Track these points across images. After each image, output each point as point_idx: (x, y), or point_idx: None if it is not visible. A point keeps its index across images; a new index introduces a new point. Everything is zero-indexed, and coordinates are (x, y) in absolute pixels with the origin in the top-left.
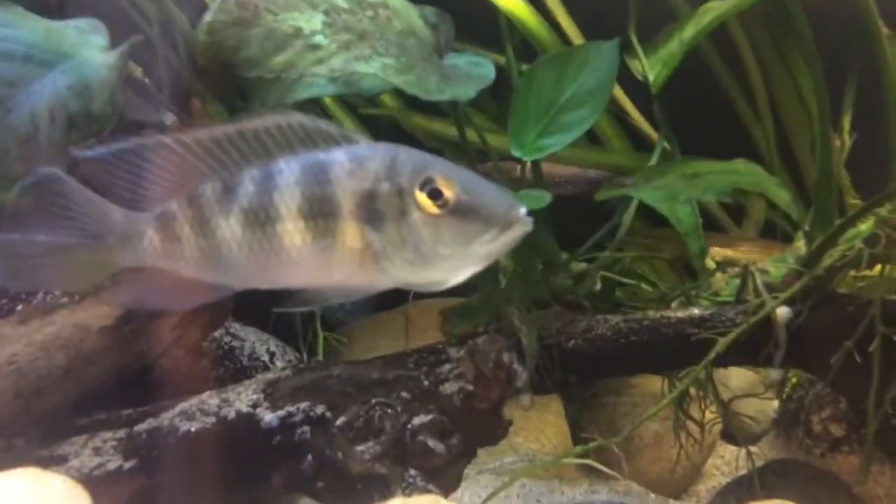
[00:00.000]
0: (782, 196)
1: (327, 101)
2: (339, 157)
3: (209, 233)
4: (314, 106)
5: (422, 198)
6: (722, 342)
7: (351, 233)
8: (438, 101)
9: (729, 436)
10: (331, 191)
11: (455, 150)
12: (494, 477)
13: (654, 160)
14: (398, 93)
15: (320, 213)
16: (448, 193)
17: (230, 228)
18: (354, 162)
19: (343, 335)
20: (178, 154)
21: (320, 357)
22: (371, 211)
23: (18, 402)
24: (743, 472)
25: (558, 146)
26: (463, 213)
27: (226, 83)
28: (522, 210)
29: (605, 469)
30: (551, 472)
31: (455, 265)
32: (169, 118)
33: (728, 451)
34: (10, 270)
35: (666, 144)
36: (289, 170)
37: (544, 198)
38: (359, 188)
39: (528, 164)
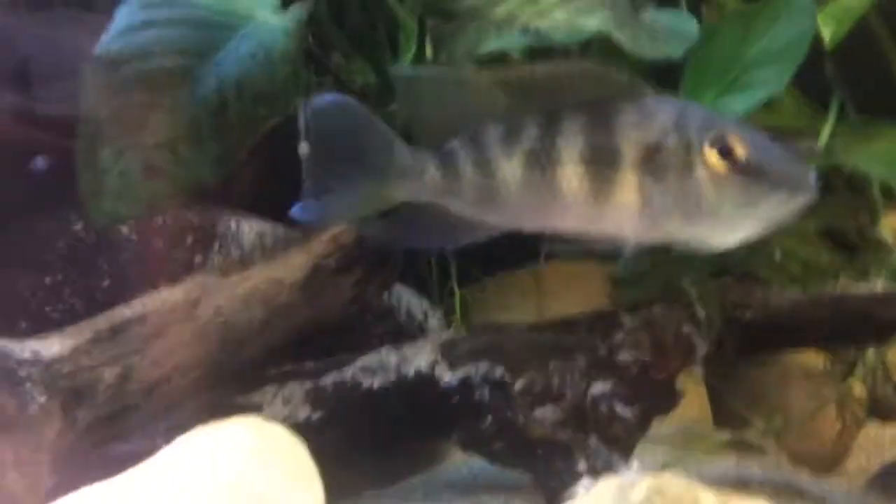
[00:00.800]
0: None
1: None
2: (626, 107)
3: (490, 172)
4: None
5: (710, 154)
6: None
7: (630, 184)
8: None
9: (875, 412)
10: (615, 140)
11: None
12: (641, 446)
13: (829, 123)
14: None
15: (602, 161)
16: (738, 152)
17: (511, 169)
18: (642, 113)
19: (478, 293)
20: (471, 91)
21: (457, 314)
22: (654, 164)
23: (224, 353)
24: (891, 451)
25: (742, 108)
26: (751, 173)
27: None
28: (813, 175)
29: (758, 445)
30: (694, 443)
31: (734, 226)
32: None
33: (872, 428)
34: (315, 209)
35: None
36: (574, 116)
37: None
38: (644, 139)
39: None
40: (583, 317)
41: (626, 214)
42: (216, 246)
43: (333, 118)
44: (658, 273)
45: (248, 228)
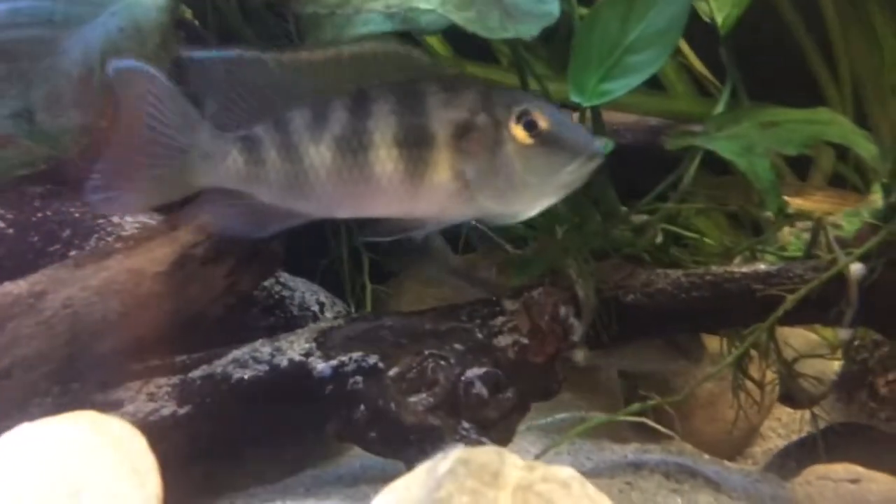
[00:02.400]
0: (869, 149)
1: None
2: (434, 88)
3: (297, 158)
4: None
5: (517, 129)
6: (791, 299)
7: (444, 162)
8: (498, 40)
9: (786, 398)
10: (426, 120)
11: None
12: (543, 433)
13: (720, 107)
14: (447, 37)
15: (415, 141)
16: (542, 124)
17: (319, 155)
18: (450, 93)
19: (390, 288)
20: (273, 73)
21: (368, 309)
22: (466, 141)
23: (74, 346)
24: (800, 434)
25: (623, 91)
26: (552, 143)
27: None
28: (598, 143)
29: (659, 428)
30: (601, 430)
31: (538, 195)
32: None
33: (785, 413)
34: (106, 192)
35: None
36: (384, 98)
37: (606, 146)
38: (455, 119)
39: (588, 111)
40: (465, 303)
41: (442, 193)
42: (93, 239)
43: (135, 87)
44: (543, 257)
45: (131, 221)
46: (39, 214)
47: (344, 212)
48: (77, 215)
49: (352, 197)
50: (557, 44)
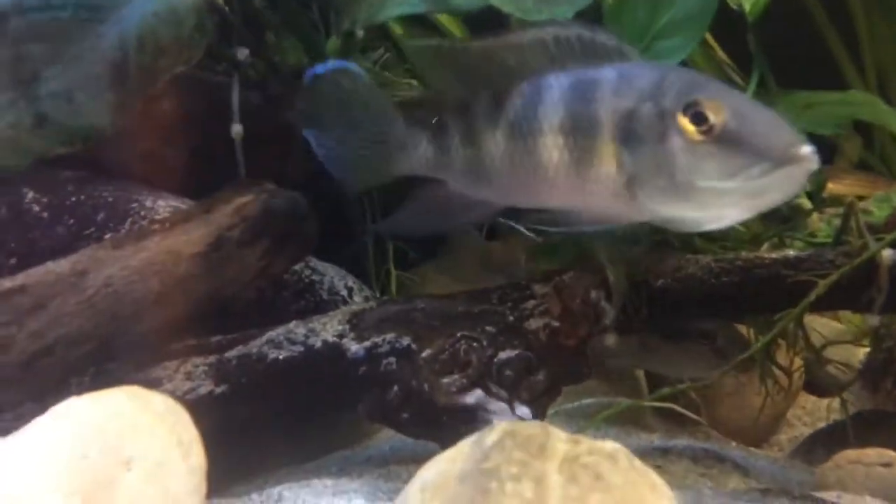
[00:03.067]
0: None
1: (397, 33)
2: (607, 74)
3: (477, 144)
4: (385, 40)
5: (684, 121)
6: (822, 284)
7: (607, 154)
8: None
9: (811, 385)
10: (593, 108)
11: None
12: (570, 418)
13: (749, 93)
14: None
15: (580, 130)
16: (714, 119)
17: (496, 141)
18: (622, 79)
19: (415, 275)
20: (460, 62)
21: (393, 295)
22: (629, 131)
23: (115, 325)
24: (826, 422)
25: None
26: (729, 142)
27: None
28: (806, 146)
29: (687, 413)
30: (626, 417)
31: (716, 201)
32: (242, 52)
33: (810, 401)
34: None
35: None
36: (557, 85)
37: None
38: (620, 107)
39: None
40: (496, 287)
41: (605, 187)
42: (128, 223)
43: (334, 85)
44: (571, 242)
45: (164, 205)
46: (73, 199)
47: (518, 200)
48: (111, 199)
49: (523, 185)
50: None
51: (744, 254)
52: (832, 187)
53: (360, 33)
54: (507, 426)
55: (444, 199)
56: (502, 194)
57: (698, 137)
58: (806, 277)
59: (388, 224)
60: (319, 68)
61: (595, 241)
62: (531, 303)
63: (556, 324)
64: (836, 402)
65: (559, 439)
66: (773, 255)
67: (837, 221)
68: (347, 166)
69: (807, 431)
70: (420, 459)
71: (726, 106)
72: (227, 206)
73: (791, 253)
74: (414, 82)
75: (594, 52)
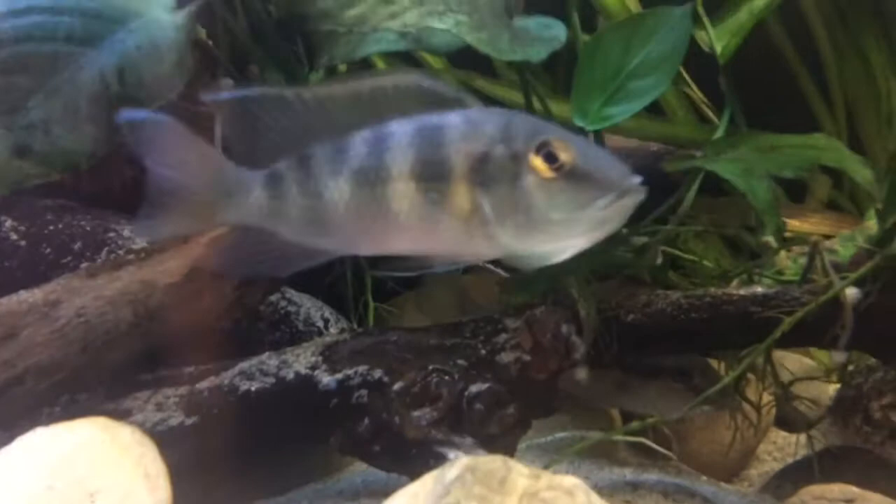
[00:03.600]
0: (865, 174)
1: (380, 64)
2: (453, 120)
3: (317, 193)
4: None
5: (537, 161)
6: (787, 321)
7: (462, 196)
8: (508, 61)
9: (781, 421)
10: (444, 153)
11: None
12: (542, 452)
13: (720, 132)
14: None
15: (432, 175)
16: (564, 157)
17: (339, 189)
18: (469, 125)
19: (393, 306)
20: (295, 110)
21: (370, 325)
22: (484, 174)
23: (86, 355)
24: (796, 457)
25: (625, 115)
26: (578, 177)
27: (291, 40)
28: (636, 178)
29: (658, 448)
30: (599, 451)
31: (566, 233)
32: (226, 84)
33: (780, 436)
34: (148, 225)
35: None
36: (402, 131)
37: None
38: (472, 151)
39: (591, 135)
40: (469, 320)
41: (460, 228)
42: (104, 252)
43: (155, 135)
44: (544, 276)
45: None
46: (52, 227)
47: (364, 248)
48: (88, 228)
49: (371, 233)
50: (559, 67)
51: (712, 290)
52: (798, 225)
53: (342, 67)
54: (468, 461)
55: (279, 245)
56: (345, 243)
57: (550, 175)
58: (773, 314)
59: (218, 262)
60: (136, 114)
61: (566, 276)
62: (503, 336)
63: (527, 358)
64: (804, 438)
65: (520, 474)
66: (742, 292)
67: (804, 260)
68: (178, 215)
69: (777, 467)
70: (391, 493)
71: (571, 145)
72: (202, 236)
73: (759, 290)
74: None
75: (434, 99)
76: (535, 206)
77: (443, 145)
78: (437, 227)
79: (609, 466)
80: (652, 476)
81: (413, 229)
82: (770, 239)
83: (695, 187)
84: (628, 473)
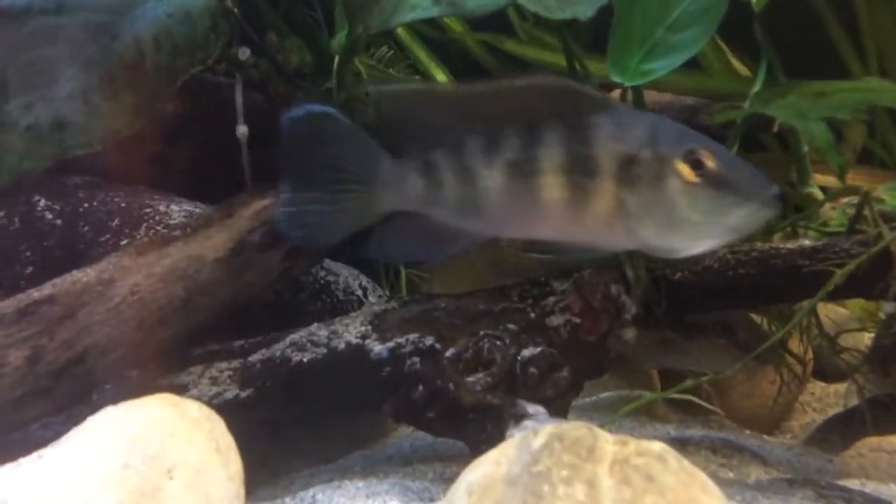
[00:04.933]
0: None
1: (400, 31)
2: (603, 121)
3: (471, 180)
4: (388, 37)
5: (682, 166)
6: (839, 273)
7: (607, 193)
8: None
9: (819, 372)
10: (594, 151)
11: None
12: (582, 413)
13: (758, 84)
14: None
15: (581, 171)
16: (709, 165)
17: (493, 178)
18: (619, 127)
19: (423, 272)
20: (446, 104)
21: (403, 292)
22: (630, 174)
23: (142, 332)
24: (835, 408)
25: (665, 70)
26: (721, 185)
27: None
28: (776, 189)
29: (706, 405)
30: (640, 408)
31: (702, 235)
32: (244, 52)
33: (818, 387)
34: (299, 224)
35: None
36: (554, 128)
37: None
38: (621, 151)
39: (629, 91)
40: (515, 284)
41: (602, 222)
42: (143, 228)
43: (312, 129)
44: None
45: (178, 209)
46: (86, 205)
47: (512, 232)
48: (123, 205)
49: (520, 219)
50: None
51: (759, 245)
52: (831, 181)
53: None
54: (553, 429)
55: (431, 230)
56: (495, 227)
57: (695, 180)
58: (822, 267)
59: (374, 249)
60: (295, 112)
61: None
62: (551, 299)
63: (577, 320)
64: (843, 388)
65: (606, 441)
66: (789, 246)
67: (850, 211)
68: (332, 209)
69: (818, 418)
70: (443, 457)
71: (716, 154)
72: (246, 210)
73: (807, 243)
74: (417, 78)
75: (581, 102)
76: (677, 208)
77: (593, 144)
78: (581, 220)
79: (652, 424)
80: (696, 432)
81: (559, 219)
82: (814, 190)
83: (737, 140)
84: (672, 430)
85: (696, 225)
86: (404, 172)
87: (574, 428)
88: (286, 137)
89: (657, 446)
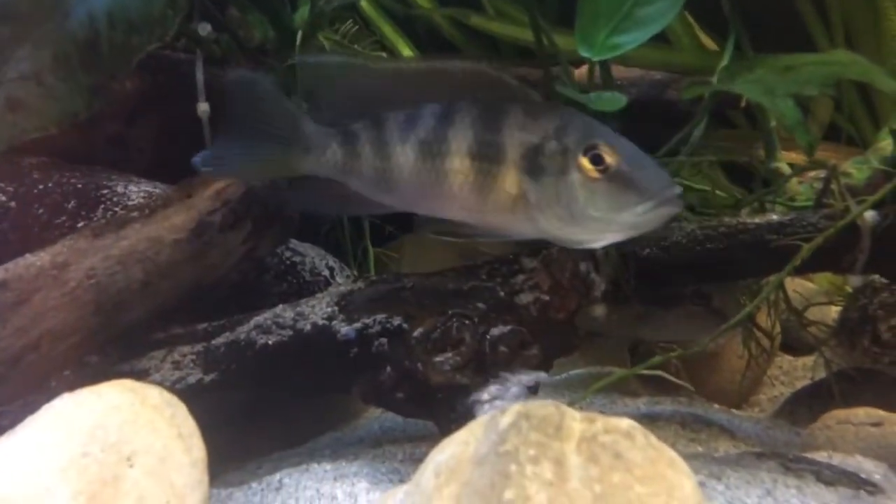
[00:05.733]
0: (891, 85)
1: (364, 5)
2: (514, 109)
3: (386, 155)
4: (352, 12)
5: (584, 161)
6: (807, 248)
7: (510, 180)
8: None
9: (786, 346)
10: (501, 138)
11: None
12: (553, 390)
13: (726, 58)
14: None
15: (487, 156)
16: (610, 160)
17: (405, 154)
18: (528, 116)
19: (392, 251)
20: (373, 78)
21: (372, 272)
22: (533, 164)
23: (99, 317)
24: (802, 381)
25: (633, 44)
26: (620, 181)
27: None
28: (678, 190)
29: (676, 381)
30: (612, 385)
31: (600, 229)
32: (204, 28)
33: (786, 361)
34: (216, 161)
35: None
36: (467, 111)
37: (619, 100)
38: (527, 141)
39: (596, 66)
40: (484, 263)
41: (505, 208)
42: (100, 210)
43: (246, 91)
44: None
45: (137, 190)
46: (41, 186)
47: (421, 209)
48: (80, 186)
49: (429, 198)
50: None
51: (727, 219)
52: (795, 156)
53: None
54: (520, 407)
55: (347, 196)
56: (406, 202)
57: (595, 175)
58: (789, 241)
59: (294, 202)
60: (230, 75)
61: None
62: (520, 277)
63: (546, 297)
64: (810, 362)
65: (574, 419)
66: (757, 220)
67: (817, 185)
68: (251, 158)
69: (785, 391)
70: (413, 438)
71: (619, 151)
72: (206, 189)
73: (774, 217)
74: (383, 54)
75: (498, 88)
76: (577, 202)
77: (501, 131)
78: (486, 204)
79: (622, 399)
80: (667, 407)
81: (465, 202)
82: (781, 165)
83: (706, 116)
84: (642, 406)
85: (594, 220)
86: (326, 140)
87: (541, 406)
88: (225, 96)
89: (625, 423)
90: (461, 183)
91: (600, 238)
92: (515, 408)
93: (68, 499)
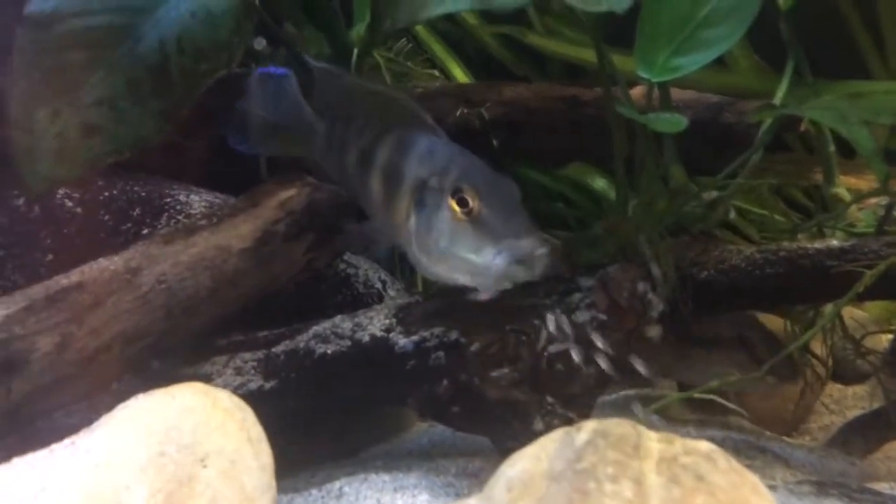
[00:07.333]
0: None
1: (420, 29)
2: (422, 143)
3: (343, 154)
4: (405, 31)
5: (452, 202)
6: (870, 274)
7: (404, 206)
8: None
9: (837, 375)
10: (403, 166)
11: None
12: (599, 411)
13: (785, 83)
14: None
15: (392, 179)
16: (472, 205)
17: (352, 155)
18: (427, 151)
19: None
20: (353, 90)
21: (419, 286)
22: (420, 196)
23: (169, 321)
24: (852, 410)
25: (695, 66)
26: (478, 226)
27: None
28: (542, 250)
29: (731, 406)
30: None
31: (463, 270)
32: (260, 43)
33: (835, 389)
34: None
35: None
36: (391, 135)
37: (680, 122)
38: (418, 173)
39: (654, 87)
40: (541, 280)
41: (400, 228)
42: (164, 217)
43: (269, 84)
44: (613, 234)
45: (199, 199)
46: (106, 194)
47: (362, 205)
48: (143, 194)
49: (361, 197)
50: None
51: (786, 244)
52: (855, 182)
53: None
54: (595, 425)
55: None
56: (352, 195)
57: (460, 216)
58: (850, 268)
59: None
60: (260, 71)
61: (637, 233)
62: (577, 296)
63: (602, 317)
64: (861, 390)
65: (651, 438)
66: (817, 246)
67: (879, 212)
68: (270, 139)
69: (836, 419)
70: (463, 453)
71: (484, 197)
72: (271, 200)
73: (835, 243)
74: (435, 73)
75: (413, 121)
76: (444, 238)
77: (406, 159)
78: (391, 220)
79: (672, 424)
80: (717, 433)
81: (378, 211)
82: (840, 190)
83: (766, 140)
84: (692, 430)
85: (456, 259)
86: (318, 128)
87: (617, 424)
88: (252, 86)
89: (704, 445)
90: (377, 194)
91: (461, 279)
92: (590, 425)
93: (147, 497)
